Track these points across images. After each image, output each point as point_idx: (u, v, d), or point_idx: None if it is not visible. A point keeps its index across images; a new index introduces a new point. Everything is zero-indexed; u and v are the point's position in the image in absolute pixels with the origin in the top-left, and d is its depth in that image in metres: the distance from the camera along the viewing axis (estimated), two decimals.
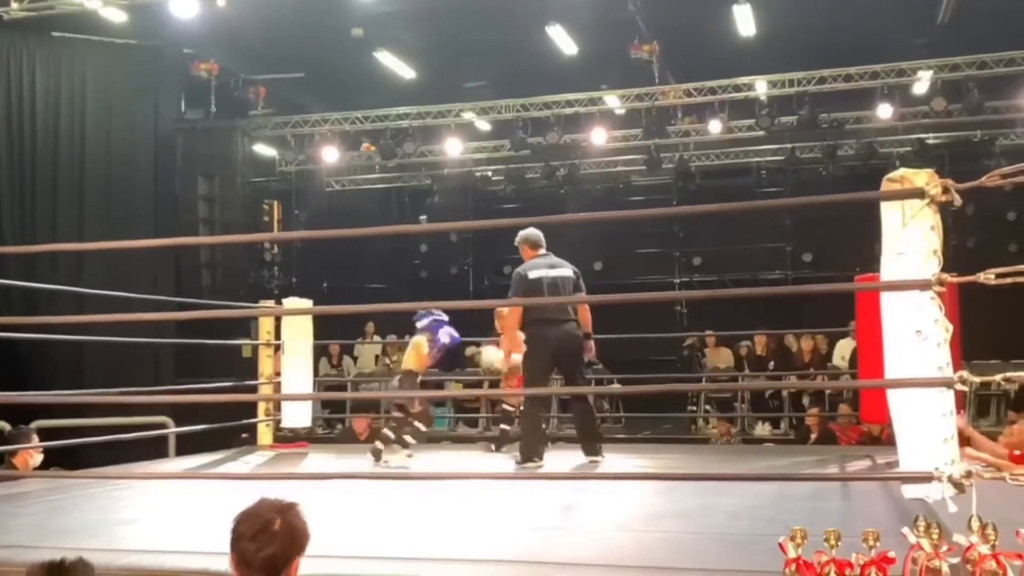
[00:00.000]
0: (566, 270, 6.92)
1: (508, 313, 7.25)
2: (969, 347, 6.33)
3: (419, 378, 7.66)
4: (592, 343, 7.05)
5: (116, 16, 12.51)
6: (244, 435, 9.20)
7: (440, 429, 13.34)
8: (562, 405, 10.31)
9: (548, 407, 8.72)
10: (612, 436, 10.41)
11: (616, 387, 11.98)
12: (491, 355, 8.31)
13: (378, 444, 7.41)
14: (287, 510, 2.61)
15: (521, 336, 7.10)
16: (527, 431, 7.02)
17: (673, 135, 15.76)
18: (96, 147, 13.69)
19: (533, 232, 7.03)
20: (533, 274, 6.82)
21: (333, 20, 13.10)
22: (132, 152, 14.02)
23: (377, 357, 15.51)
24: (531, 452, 6.78)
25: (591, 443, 6.96)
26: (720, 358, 13.77)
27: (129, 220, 13.56)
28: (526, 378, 7.03)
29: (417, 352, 7.53)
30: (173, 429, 8.91)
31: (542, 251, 7.02)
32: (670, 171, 16.85)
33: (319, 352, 13.21)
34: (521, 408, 7.61)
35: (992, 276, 3.38)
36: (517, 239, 7.08)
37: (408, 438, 7.57)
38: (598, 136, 15.06)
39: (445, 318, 7.60)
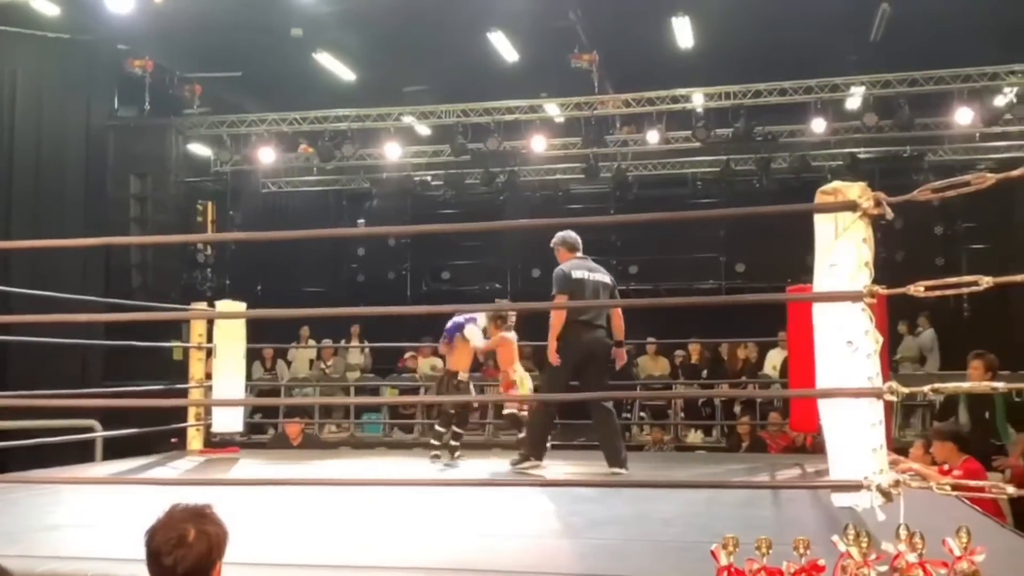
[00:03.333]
0: (604, 276, 6.83)
1: (554, 314, 6.89)
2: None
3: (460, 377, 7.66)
4: (624, 351, 7.00)
5: (48, 9, 12.25)
6: (174, 440, 9.04)
7: (374, 435, 13.27)
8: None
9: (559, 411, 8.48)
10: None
11: (553, 395, 11.97)
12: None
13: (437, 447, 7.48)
14: (200, 517, 2.52)
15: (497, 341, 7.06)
16: (537, 430, 6.88)
17: (611, 144, 15.88)
18: (25, 143, 13.38)
19: (571, 234, 6.88)
20: (576, 273, 6.69)
21: (272, 20, 12.97)
22: (63, 149, 13.72)
23: (312, 362, 15.37)
24: (533, 452, 6.71)
25: (612, 453, 6.65)
26: (658, 366, 13.88)
27: (58, 219, 13.27)
28: (548, 376, 6.88)
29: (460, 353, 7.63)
30: (100, 433, 8.72)
31: (579, 254, 6.90)
32: (608, 180, 16.97)
33: (252, 356, 13.06)
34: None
35: (922, 288, 3.44)
36: (554, 241, 6.94)
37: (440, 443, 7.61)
38: (538, 143, 15.12)
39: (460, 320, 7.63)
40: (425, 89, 15.59)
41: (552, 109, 15.23)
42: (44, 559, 3.74)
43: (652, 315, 15.61)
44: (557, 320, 6.67)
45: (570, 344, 6.62)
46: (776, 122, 15.20)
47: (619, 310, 6.90)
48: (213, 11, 12.32)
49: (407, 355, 14.66)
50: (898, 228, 14.63)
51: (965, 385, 5.45)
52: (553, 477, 6.68)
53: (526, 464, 6.70)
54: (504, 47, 13.73)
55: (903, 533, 2.90)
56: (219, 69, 15.04)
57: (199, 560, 2.45)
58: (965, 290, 3.40)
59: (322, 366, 15.04)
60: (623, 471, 6.49)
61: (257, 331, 10.48)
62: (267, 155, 15.71)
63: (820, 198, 3.74)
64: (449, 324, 7.71)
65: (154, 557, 2.47)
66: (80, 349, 12.27)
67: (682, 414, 13.07)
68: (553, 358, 6.62)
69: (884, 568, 2.89)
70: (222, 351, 7.94)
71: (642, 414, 13.39)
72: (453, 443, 7.64)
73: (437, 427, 7.79)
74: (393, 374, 14.78)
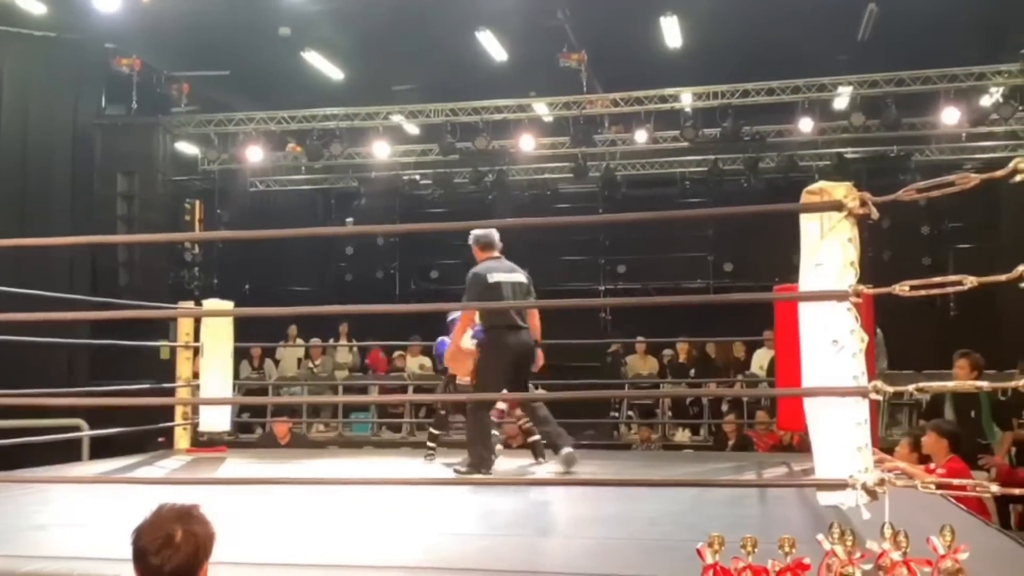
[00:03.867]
0: (521, 276, 6.75)
1: (461, 316, 6.99)
2: None
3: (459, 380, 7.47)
4: (541, 352, 6.89)
5: (35, 8, 12.20)
6: (161, 439, 9.02)
7: (362, 434, 13.26)
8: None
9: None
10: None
11: (540, 393, 12.00)
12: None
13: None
14: (187, 517, 2.52)
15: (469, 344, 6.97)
16: (477, 439, 6.57)
17: (600, 144, 15.89)
18: (12, 141, 13.31)
19: (487, 232, 6.78)
20: (493, 277, 6.60)
21: (260, 18, 12.93)
22: (49, 148, 13.66)
23: (300, 360, 15.35)
24: (480, 462, 6.44)
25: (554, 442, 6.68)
26: (647, 365, 13.91)
27: (45, 217, 13.20)
28: (480, 382, 6.72)
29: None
30: (87, 432, 8.69)
31: (495, 253, 6.80)
32: (596, 179, 17.00)
33: (240, 355, 13.04)
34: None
35: (907, 288, 3.46)
36: (471, 239, 6.86)
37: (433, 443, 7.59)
38: (526, 143, 15.12)
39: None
40: (413, 88, 15.58)
41: (540, 108, 15.24)
42: (30, 559, 3.73)
43: (640, 314, 15.68)
44: (464, 323, 6.82)
45: (500, 349, 6.59)
46: (764, 122, 15.24)
47: (536, 311, 6.83)
48: (201, 9, 12.28)
49: (395, 354, 14.67)
50: (885, 227, 14.69)
51: (951, 384, 5.48)
52: (540, 476, 6.69)
53: (473, 475, 6.38)
54: (493, 46, 13.73)
55: (888, 531, 2.92)
56: (207, 68, 15.00)
57: (186, 560, 2.45)
58: (950, 289, 3.42)
59: (310, 365, 15.02)
60: (467, 471, 6.42)
61: (245, 330, 10.45)
62: (255, 154, 15.68)
63: (806, 198, 3.75)
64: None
65: (141, 557, 2.46)
66: (67, 348, 12.22)
67: (670, 413, 13.10)
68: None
69: (869, 566, 2.91)
70: (209, 350, 7.92)
71: (630, 413, 13.41)
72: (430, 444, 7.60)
73: (432, 429, 7.73)
74: (378, 373, 14.78)
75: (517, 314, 6.62)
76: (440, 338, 7.67)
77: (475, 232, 6.84)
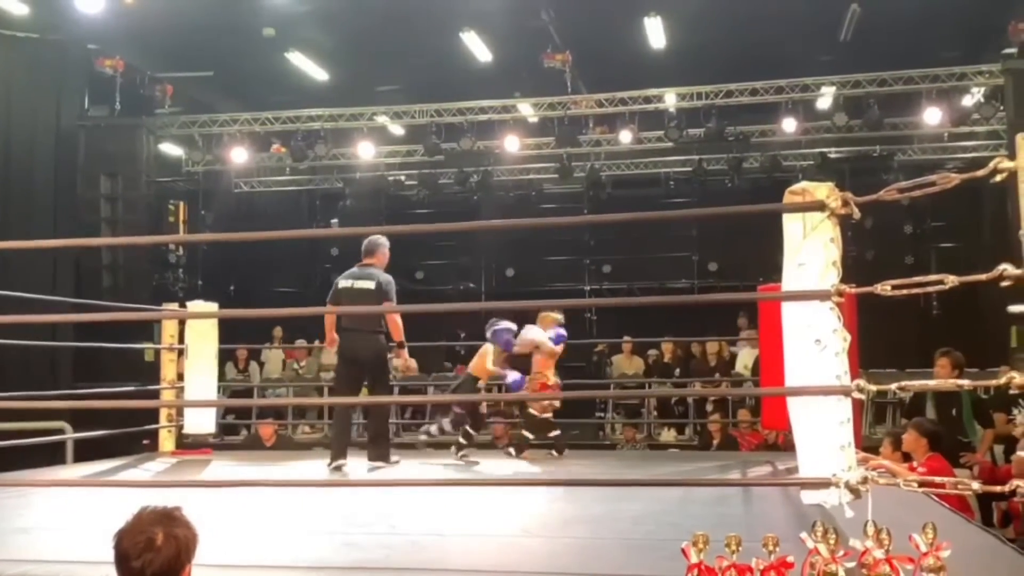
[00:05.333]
0: (369, 283, 7.10)
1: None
2: (866, 356, 6.52)
3: (479, 383, 7.93)
4: (404, 352, 7.28)
5: (17, 8, 12.13)
6: (146, 441, 8.98)
7: None
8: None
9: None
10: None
11: (526, 394, 12.00)
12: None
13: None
14: (169, 519, 2.51)
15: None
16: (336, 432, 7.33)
17: (584, 144, 15.90)
18: None
19: (365, 241, 7.33)
20: (342, 283, 7.20)
21: (244, 19, 12.90)
22: (32, 149, 13.57)
23: (285, 362, 15.30)
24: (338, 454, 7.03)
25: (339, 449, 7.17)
26: (633, 365, 13.92)
27: (27, 219, 13.13)
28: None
29: (482, 360, 7.80)
30: (71, 435, 8.65)
31: (365, 261, 7.29)
32: (581, 180, 17.01)
33: (225, 357, 12.98)
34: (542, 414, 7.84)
35: (889, 287, 3.48)
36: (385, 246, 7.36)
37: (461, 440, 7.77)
38: (511, 143, 15.12)
39: (513, 327, 7.76)
40: (398, 89, 15.56)
41: (525, 109, 15.25)
42: (14, 562, 3.72)
43: (626, 314, 15.70)
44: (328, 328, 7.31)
45: (339, 350, 7.22)
46: (748, 122, 15.29)
47: (393, 314, 7.21)
48: (184, 10, 12.24)
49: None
50: (868, 227, 14.75)
51: (932, 383, 5.51)
52: (527, 476, 6.70)
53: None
54: (477, 47, 13.73)
55: (871, 529, 2.94)
56: (190, 69, 14.95)
57: (168, 563, 2.44)
58: (932, 289, 3.44)
59: (295, 366, 14.98)
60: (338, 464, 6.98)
61: (230, 332, 10.41)
62: (239, 155, 15.62)
63: (788, 198, 3.77)
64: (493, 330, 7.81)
65: (122, 561, 2.45)
66: (50, 350, 12.16)
67: (655, 413, 13.12)
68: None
69: (852, 564, 2.93)
70: (194, 352, 7.90)
71: (615, 413, 13.43)
72: (463, 441, 7.80)
73: (468, 428, 7.87)
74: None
75: (358, 320, 7.14)
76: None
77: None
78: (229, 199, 17.54)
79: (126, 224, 14.45)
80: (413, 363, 7.52)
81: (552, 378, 7.90)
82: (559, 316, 7.96)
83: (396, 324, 7.13)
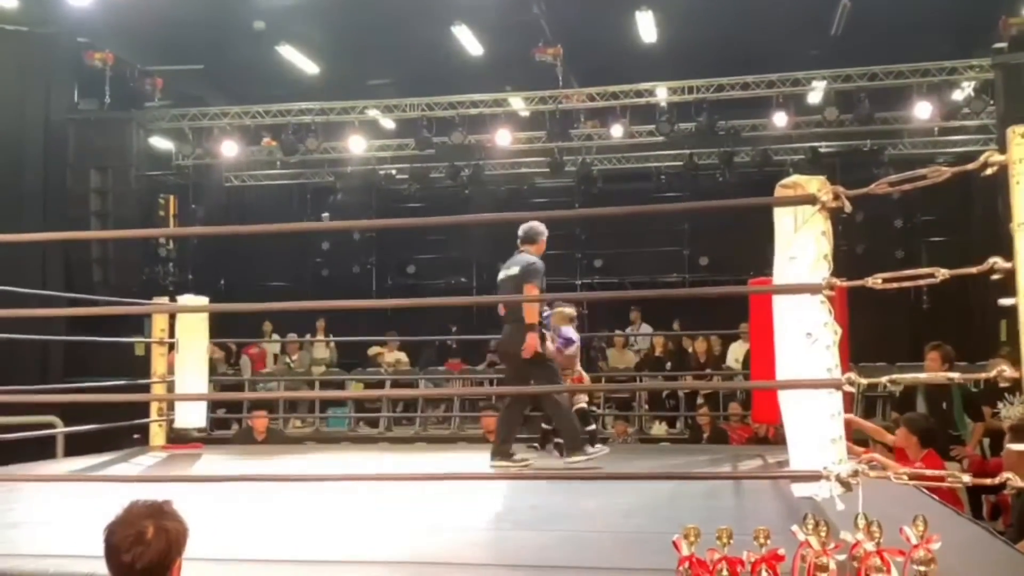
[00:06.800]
0: (512, 268, 6.88)
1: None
2: (857, 350, 6.54)
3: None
4: (533, 336, 6.80)
5: (6, 1, 12.06)
6: (136, 435, 8.96)
7: (340, 429, 13.23)
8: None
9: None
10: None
11: (520, 388, 12.01)
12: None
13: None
14: (159, 513, 2.51)
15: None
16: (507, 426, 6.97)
17: (576, 138, 15.89)
18: None
19: (522, 226, 7.01)
20: (500, 274, 6.96)
21: (234, 12, 12.86)
22: (21, 143, 13.53)
23: (276, 356, 15.28)
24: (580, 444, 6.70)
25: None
26: (624, 359, 13.94)
27: (16, 213, 13.05)
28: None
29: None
30: (61, 429, 8.63)
31: (520, 248, 7.01)
32: (572, 174, 17.01)
33: (225, 353, 12.98)
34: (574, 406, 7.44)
35: (879, 281, 3.49)
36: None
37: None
38: (502, 137, 15.10)
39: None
40: (389, 83, 15.53)
41: (517, 103, 15.23)
42: (4, 557, 3.71)
43: (617, 308, 15.69)
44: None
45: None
46: (738, 116, 15.30)
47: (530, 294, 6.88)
48: (174, 3, 12.20)
49: (371, 349, 14.64)
50: (859, 221, 14.80)
51: (923, 376, 5.52)
52: (519, 470, 6.70)
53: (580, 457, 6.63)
54: (468, 41, 13.71)
55: (861, 522, 2.95)
56: (181, 62, 14.89)
57: (158, 557, 2.44)
58: (923, 282, 3.45)
59: (287, 360, 14.96)
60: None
61: (221, 326, 10.38)
62: (230, 149, 15.57)
63: (779, 192, 3.78)
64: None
65: (113, 554, 2.45)
66: (40, 345, 12.11)
67: (646, 406, 13.14)
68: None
69: (843, 557, 2.94)
70: (184, 346, 7.88)
71: (602, 408, 13.42)
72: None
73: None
74: (358, 368, 14.75)
75: (508, 309, 6.87)
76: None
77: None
78: (219, 193, 17.50)
79: (116, 218, 14.40)
80: (545, 347, 7.05)
81: (580, 370, 7.69)
82: (571, 311, 7.67)
83: (531, 308, 6.76)
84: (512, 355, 6.79)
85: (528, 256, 6.92)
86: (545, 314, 7.34)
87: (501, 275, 6.94)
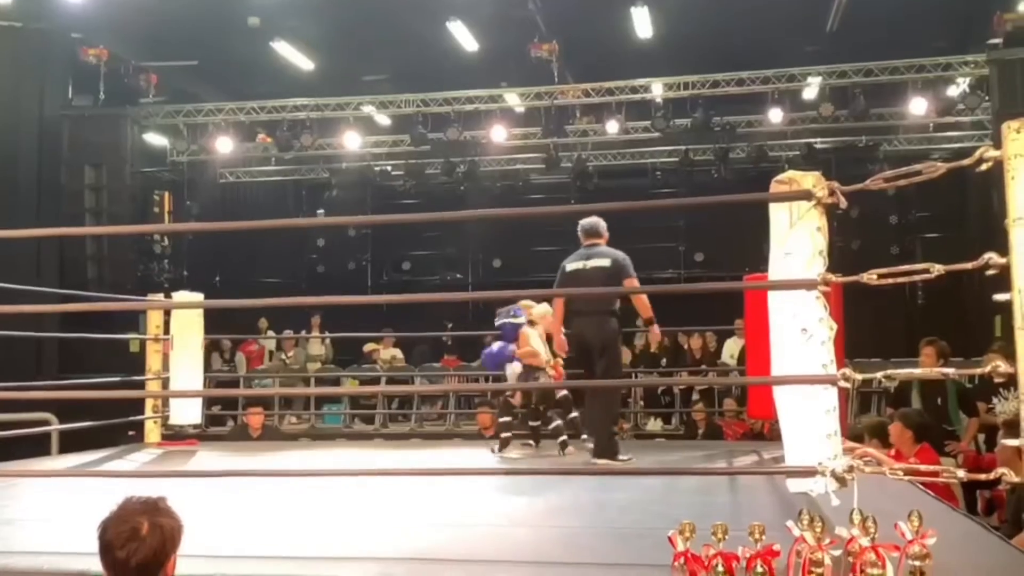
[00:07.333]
0: (603, 260, 6.77)
1: (554, 304, 7.18)
2: (852, 346, 6.55)
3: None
4: (656, 329, 6.98)
5: None
6: (131, 432, 8.95)
7: (335, 426, 13.22)
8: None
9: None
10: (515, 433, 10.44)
11: (513, 384, 12.00)
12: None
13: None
14: (154, 510, 2.51)
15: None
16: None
17: (571, 134, 15.88)
18: None
19: (587, 221, 6.97)
20: (570, 266, 6.85)
21: (228, 8, 12.84)
22: (15, 139, 13.50)
23: (271, 353, 15.26)
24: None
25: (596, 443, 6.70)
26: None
27: (10, 209, 13.04)
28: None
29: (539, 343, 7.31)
30: (56, 426, 8.62)
31: (592, 241, 6.94)
32: (568, 170, 17.01)
33: (211, 347, 12.93)
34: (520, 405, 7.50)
35: (875, 276, 3.48)
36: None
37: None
38: (498, 133, 15.08)
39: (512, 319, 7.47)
40: (384, 78, 15.51)
41: (512, 99, 15.21)
42: None
43: None
44: (556, 315, 7.06)
45: (568, 337, 6.97)
46: (734, 112, 15.30)
47: (639, 291, 6.99)
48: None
49: (366, 346, 14.61)
50: (854, 217, 14.81)
51: (917, 372, 5.53)
52: (512, 466, 6.70)
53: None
54: (464, 36, 13.70)
55: (856, 518, 2.95)
56: (175, 58, 14.86)
57: (153, 553, 2.44)
58: (918, 278, 3.45)
59: (283, 357, 14.94)
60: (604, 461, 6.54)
61: (216, 322, 10.35)
62: (224, 145, 15.55)
63: (775, 187, 3.78)
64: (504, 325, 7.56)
65: (107, 550, 2.45)
66: (34, 341, 12.09)
67: (641, 403, 13.14)
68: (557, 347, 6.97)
69: (838, 552, 2.94)
70: (179, 343, 7.86)
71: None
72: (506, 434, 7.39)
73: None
74: (354, 365, 14.74)
75: (585, 300, 6.79)
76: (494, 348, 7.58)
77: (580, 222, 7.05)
78: (214, 189, 17.47)
79: (111, 214, 14.37)
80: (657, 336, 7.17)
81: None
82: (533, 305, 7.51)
83: (644, 301, 6.84)
84: (598, 347, 6.74)
85: (611, 248, 6.90)
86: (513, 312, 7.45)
87: (578, 266, 6.80)
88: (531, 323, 7.35)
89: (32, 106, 13.74)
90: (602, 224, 6.96)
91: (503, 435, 7.29)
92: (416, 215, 14.75)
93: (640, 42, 13.65)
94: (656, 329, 6.97)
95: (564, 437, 7.11)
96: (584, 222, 6.97)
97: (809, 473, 3.56)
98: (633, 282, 6.76)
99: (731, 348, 12.62)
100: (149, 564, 2.44)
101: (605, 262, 6.75)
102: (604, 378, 6.75)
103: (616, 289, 6.84)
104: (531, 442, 7.58)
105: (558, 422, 7.23)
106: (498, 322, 7.71)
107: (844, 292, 5.52)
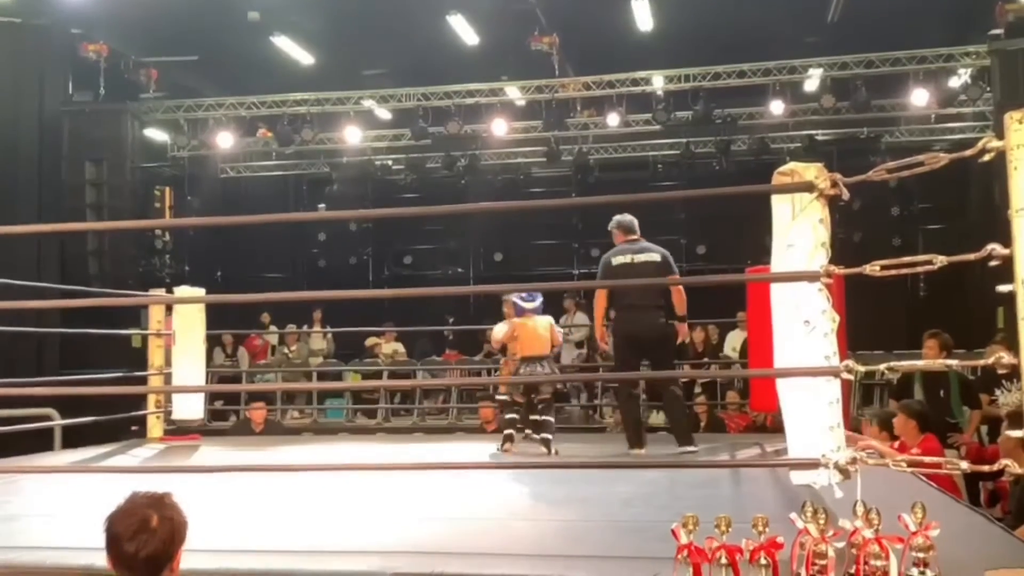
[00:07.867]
0: (653, 255, 6.89)
1: (596, 296, 7.30)
2: (854, 338, 6.54)
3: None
4: (684, 326, 7.10)
5: None
6: (134, 427, 8.96)
7: (337, 420, 13.23)
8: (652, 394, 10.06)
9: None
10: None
11: (516, 376, 12.00)
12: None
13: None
14: (162, 504, 2.51)
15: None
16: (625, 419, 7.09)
17: (572, 127, 15.86)
18: None
19: (625, 217, 7.09)
20: (617, 259, 6.90)
21: (229, 3, 12.81)
22: (15, 135, 13.47)
23: (273, 347, 15.27)
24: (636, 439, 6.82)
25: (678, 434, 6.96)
26: None
27: (11, 205, 13.03)
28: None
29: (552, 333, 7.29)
30: (58, 421, 8.62)
31: (633, 236, 7.03)
32: (569, 163, 17.00)
33: (213, 342, 12.95)
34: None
35: (877, 268, 3.48)
36: (611, 224, 7.18)
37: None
38: (499, 127, 15.06)
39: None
40: (385, 73, 15.48)
41: (513, 92, 15.18)
42: (2, 549, 3.71)
43: None
44: (598, 307, 7.13)
45: (615, 329, 7.08)
46: (735, 104, 15.27)
47: (678, 286, 7.05)
48: None
49: (368, 340, 14.63)
50: (855, 209, 14.78)
51: (920, 364, 5.52)
52: (515, 459, 6.70)
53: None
54: (464, 30, 13.66)
55: (860, 510, 2.95)
56: (175, 53, 14.83)
57: (162, 546, 2.44)
58: (920, 269, 3.44)
59: (285, 351, 14.96)
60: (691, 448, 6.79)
61: (218, 317, 10.37)
62: (225, 140, 15.54)
63: (777, 179, 3.77)
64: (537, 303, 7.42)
65: (115, 543, 2.44)
66: (37, 336, 12.09)
67: (644, 395, 13.12)
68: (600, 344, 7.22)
69: (841, 544, 2.94)
70: (181, 338, 7.86)
71: (600, 398, 13.42)
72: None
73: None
74: (356, 359, 14.75)
75: (641, 294, 6.87)
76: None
77: (615, 218, 7.18)
78: (215, 184, 17.45)
79: (111, 210, 14.34)
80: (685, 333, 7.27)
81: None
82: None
83: (682, 297, 6.95)
84: (655, 340, 6.85)
85: (656, 245, 7.04)
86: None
87: (626, 259, 6.90)
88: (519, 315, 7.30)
89: (32, 102, 13.71)
90: (635, 220, 7.14)
91: (506, 431, 7.28)
92: (417, 209, 14.76)
93: (641, 34, 13.62)
94: (685, 327, 7.11)
95: (549, 436, 7.02)
96: (622, 218, 7.11)
97: (812, 465, 3.56)
98: (676, 278, 6.93)
99: (733, 341, 12.61)
100: (159, 556, 2.43)
101: (656, 256, 6.90)
102: (662, 369, 7.02)
103: (633, 281, 6.96)
104: (535, 436, 7.55)
105: (547, 435, 7.03)
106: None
107: (846, 284, 5.51)
